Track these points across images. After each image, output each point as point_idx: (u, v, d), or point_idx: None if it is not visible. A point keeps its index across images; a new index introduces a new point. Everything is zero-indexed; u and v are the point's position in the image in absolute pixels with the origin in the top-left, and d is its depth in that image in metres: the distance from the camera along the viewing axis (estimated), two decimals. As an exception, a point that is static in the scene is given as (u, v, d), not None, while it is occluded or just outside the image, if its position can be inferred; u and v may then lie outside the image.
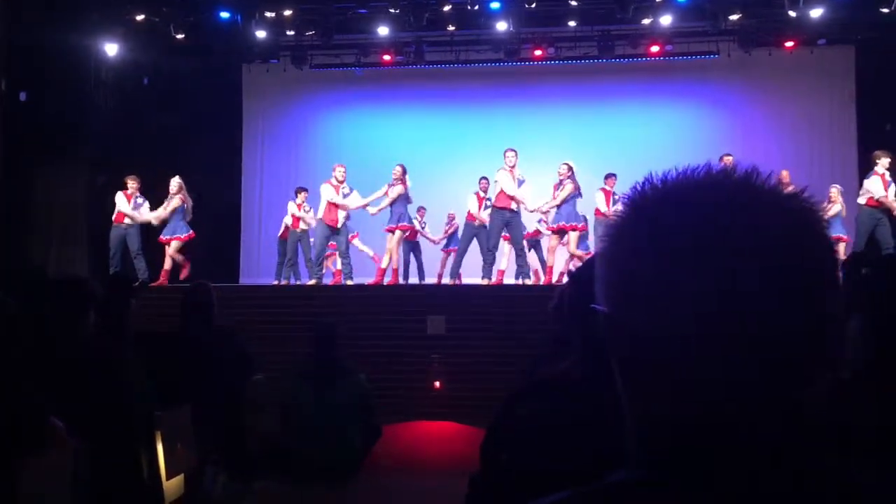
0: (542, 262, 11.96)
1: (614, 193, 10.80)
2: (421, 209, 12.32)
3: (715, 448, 0.63)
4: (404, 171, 10.33)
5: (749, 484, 0.62)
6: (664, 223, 0.65)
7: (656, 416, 0.67)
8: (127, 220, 10.39)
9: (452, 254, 11.95)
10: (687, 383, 0.64)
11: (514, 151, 9.98)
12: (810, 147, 13.81)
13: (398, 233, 10.37)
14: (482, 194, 10.71)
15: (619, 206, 0.71)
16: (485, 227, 10.26)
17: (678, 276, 0.62)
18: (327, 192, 10.27)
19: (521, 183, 10.12)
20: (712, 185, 0.67)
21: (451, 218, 12.61)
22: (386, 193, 10.29)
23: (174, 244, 10.52)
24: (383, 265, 10.40)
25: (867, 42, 12.96)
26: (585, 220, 10.60)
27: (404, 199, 10.35)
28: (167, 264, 10.49)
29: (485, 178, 10.74)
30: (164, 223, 10.62)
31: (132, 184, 10.52)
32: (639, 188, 0.70)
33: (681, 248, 0.63)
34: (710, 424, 0.64)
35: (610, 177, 11.03)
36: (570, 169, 10.14)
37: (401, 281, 11.65)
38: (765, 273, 0.61)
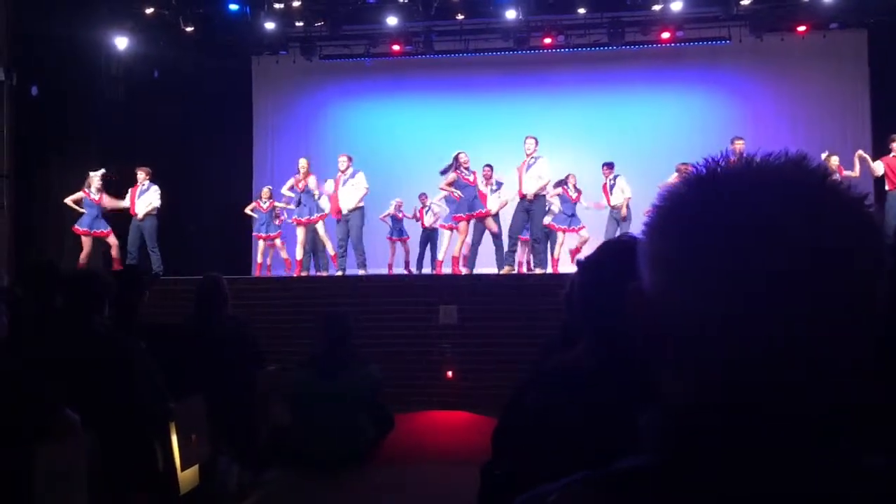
0: (553, 251, 11.99)
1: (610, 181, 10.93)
2: (423, 195, 12.35)
3: (742, 436, 0.63)
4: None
5: (772, 476, 0.62)
6: (741, 204, 0.63)
7: (685, 401, 0.66)
8: (139, 213, 10.50)
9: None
10: (725, 370, 0.63)
11: (534, 139, 9.98)
12: (822, 132, 13.70)
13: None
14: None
15: (679, 181, 0.68)
16: (495, 216, 10.30)
17: (742, 261, 0.61)
18: (329, 186, 10.56)
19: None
20: (789, 173, 0.65)
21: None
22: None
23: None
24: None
25: (880, 25, 12.84)
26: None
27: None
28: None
29: (488, 165, 10.74)
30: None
31: (141, 174, 10.63)
32: (709, 165, 0.68)
33: (751, 233, 0.62)
34: (738, 411, 0.63)
35: (605, 166, 11.10)
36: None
37: (414, 271, 11.70)
38: (832, 275, 0.60)
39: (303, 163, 10.65)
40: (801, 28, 12.84)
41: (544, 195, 10.03)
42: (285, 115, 15.27)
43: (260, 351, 4.64)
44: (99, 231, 10.51)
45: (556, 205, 11.11)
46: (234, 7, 12.15)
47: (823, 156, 10.01)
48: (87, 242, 10.45)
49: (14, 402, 2.30)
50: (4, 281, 3.70)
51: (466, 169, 10.06)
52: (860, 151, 10.34)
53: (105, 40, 12.00)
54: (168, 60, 12.85)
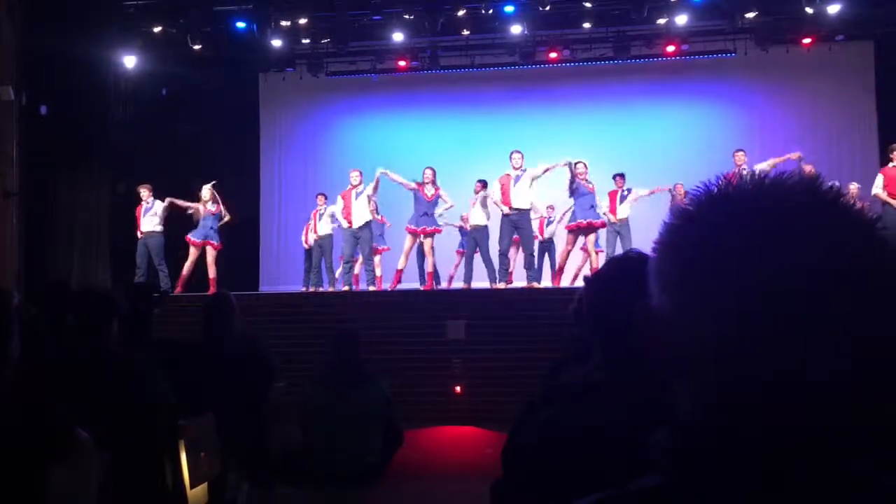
0: (553, 264, 11.96)
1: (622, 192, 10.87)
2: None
3: (758, 456, 0.62)
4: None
5: (781, 498, 0.61)
6: (751, 224, 0.63)
7: (695, 420, 0.66)
8: (146, 230, 10.58)
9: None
10: (736, 389, 0.62)
11: (520, 154, 10.01)
12: (829, 144, 13.68)
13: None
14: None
15: (690, 199, 0.68)
16: (486, 230, 10.38)
17: (751, 282, 0.61)
18: (339, 204, 10.59)
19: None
20: (801, 195, 0.65)
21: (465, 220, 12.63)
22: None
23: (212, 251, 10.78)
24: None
25: (886, 37, 12.85)
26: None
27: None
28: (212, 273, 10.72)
29: (481, 181, 10.80)
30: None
31: (144, 192, 10.74)
32: (720, 184, 0.68)
33: (761, 253, 0.61)
34: (745, 432, 0.62)
35: (618, 177, 11.04)
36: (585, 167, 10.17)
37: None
38: (840, 297, 0.60)
39: (428, 173, 10.59)
40: (807, 40, 12.86)
41: (529, 209, 10.04)
42: (292, 131, 15.36)
43: (270, 368, 4.64)
44: (213, 242, 10.76)
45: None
46: (241, 25, 12.24)
47: (853, 187, 10.00)
48: (194, 253, 10.71)
49: (26, 421, 2.30)
50: (15, 299, 3.70)
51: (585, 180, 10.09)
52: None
53: (114, 59, 12.08)
54: (176, 78, 12.95)
